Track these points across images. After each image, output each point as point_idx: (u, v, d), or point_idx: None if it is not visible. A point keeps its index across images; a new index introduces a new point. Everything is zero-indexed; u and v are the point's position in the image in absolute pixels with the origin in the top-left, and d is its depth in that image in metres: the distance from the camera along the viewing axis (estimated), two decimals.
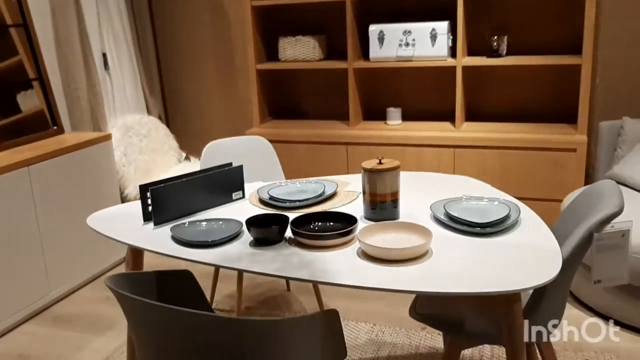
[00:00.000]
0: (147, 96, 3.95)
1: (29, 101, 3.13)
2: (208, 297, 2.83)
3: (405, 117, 3.51)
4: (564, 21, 3.18)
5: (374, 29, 3.32)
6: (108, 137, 3.27)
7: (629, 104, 3.20)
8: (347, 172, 3.42)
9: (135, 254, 1.82)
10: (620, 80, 3.20)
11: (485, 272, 1.37)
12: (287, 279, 1.32)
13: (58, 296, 2.94)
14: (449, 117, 3.38)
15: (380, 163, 1.74)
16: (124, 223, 1.83)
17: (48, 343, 2.58)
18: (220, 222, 1.76)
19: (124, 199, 3.49)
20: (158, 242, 1.67)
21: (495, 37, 3.17)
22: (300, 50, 3.56)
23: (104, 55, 3.66)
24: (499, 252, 1.47)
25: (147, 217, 1.82)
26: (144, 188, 1.80)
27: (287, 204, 1.90)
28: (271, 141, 2.93)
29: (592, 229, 1.47)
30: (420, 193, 2.00)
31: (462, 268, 1.40)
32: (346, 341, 1.68)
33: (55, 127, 3.22)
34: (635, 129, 2.93)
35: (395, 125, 3.45)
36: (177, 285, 1.67)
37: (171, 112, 4.25)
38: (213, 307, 2.81)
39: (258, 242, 1.62)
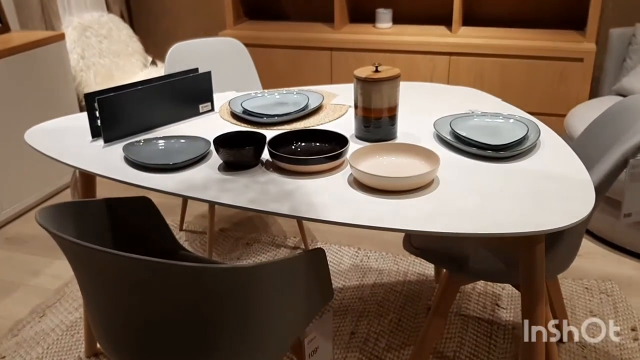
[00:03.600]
0: None
1: None
2: (178, 216, 2.62)
3: (397, 20, 3.16)
4: None
5: None
6: (61, 37, 2.88)
7: None
8: (330, 81, 3.11)
9: (85, 178, 1.55)
10: None
11: (503, 207, 1.13)
12: (264, 213, 1.06)
13: (10, 215, 2.68)
14: (445, 20, 3.04)
15: (376, 71, 1.45)
16: (69, 139, 1.54)
17: (0, 267, 2.34)
18: (183, 141, 1.48)
19: (82, 108, 3.15)
20: (107, 163, 1.39)
21: None
22: None
23: None
24: (518, 182, 1.23)
25: (95, 133, 1.53)
26: (90, 97, 1.49)
27: (264, 119, 1.62)
28: (246, 45, 2.58)
29: (627, 153, 1.23)
30: (419, 107, 1.73)
31: (475, 201, 1.16)
32: (329, 267, 1.47)
33: (0, 24, 2.82)
34: None
35: (385, 29, 3.11)
36: (134, 215, 1.42)
37: (135, 10, 3.81)
38: (184, 228, 2.59)
39: (228, 166, 1.35)
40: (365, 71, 1.46)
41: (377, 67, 1.46)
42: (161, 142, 1.47)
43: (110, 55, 3.33)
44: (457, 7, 2.90)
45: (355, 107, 1.48)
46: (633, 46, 2.71)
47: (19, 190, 2.71)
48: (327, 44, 3.08)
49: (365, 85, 1.44)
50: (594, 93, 2.91)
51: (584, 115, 2.45)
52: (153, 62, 3.56)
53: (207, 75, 1.71)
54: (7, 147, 2.61)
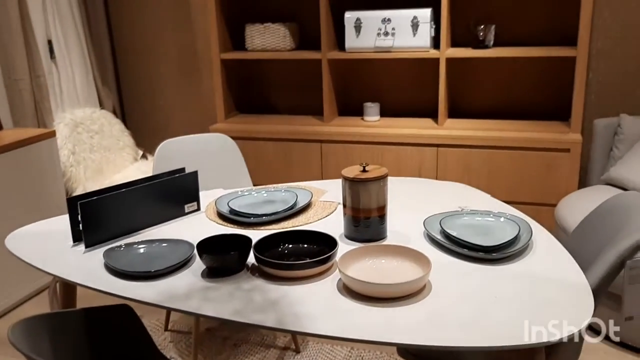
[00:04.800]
0: (100, 87, 3.57)
1: None
2: (164, 315, 2.52)
3: (384, 113, 3.22)
4: (555, 10, 2.92)
5: (350, 16, 3.01)
6: (52, 134, 2.90)
7: (625, 100, 2.97)
8: (320, 172, 3.12)
9: (65, 285, 1.48)
10: (614, 74, 2.96)
11: (498, 316, 1.08)
12: (248, 326, 1.01)
13: None
14: (431, 113, 3.10)
15: (364, 170, 1.44)
16: (50, 244, 1.50)
17: None
18: (166, 245, 1.43)
19: None
20: (87, 271, 1.34)
21: (482, 27, 2.90)
22: (269, 39, 3.23)
23: (50, 42, 3.27)
24: (513, 287, 1.19)
25: (77, 237, 1.49)
26: (72, 202, 1.47)
27: (252, 219, 1.59)
28: (237, 138, 2.61)
29: (623, 255, 1.20)
30: (409, 203, 1.71)
31: (469, 310, 1.10)
32: None
33: None
34: (633, 126, 2.70)
35: (373, 122, 3.16)
36: (114, 325, 1.35)
37: (127, 105, 3.87)
38: (169, 328, 2.49)
39: (212, 272, 1.30)
40: (352, 171, 1.45)
41: (364, 167, 1.45)
42: (143, 246, 1.43)
43: (101, 150, 3.35)
44: (442, 100, 2.96)
45: (344, 206, 1.46)
46: (619, 136, 2.75)
47: (3, 289, 2.62)
48: (317, 136, 3.11)
49: (354, 185, 1.42)
50: (583, 182, 2.92)
51: (574, 205, 2.44)
52: (143, 156, 3.57)
53: (194, 175, 1.70)
54: None
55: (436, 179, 2.92)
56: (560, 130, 2.81)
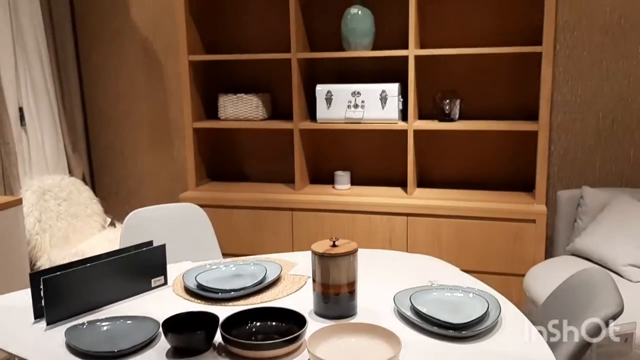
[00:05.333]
0: (70, 154, 3.55)
1: None
2: None
3: (355, 182, 3.26)
4: (517, 86, 3.06)
5: (321, 89, 3.10)
6: (18, 202, 2.85)
7: (586, 172, 3.08)
8: (291, 241, 3.11)
9: None
10: (574, 147, 3.08)
11: None
12: None
13: None
14: (400, 182, 3.15)
15: (334, 245, 1.44)
16: (9, 319, 1.44)
17: None
18: (130, 322, 1.40)
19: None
20: (48, 350, 1.29)
21: (447, 101, 3.01)
22: (242, 109, 3.29)
23: (21, 109, 3.26)
24: None
25: (38, 314, 1.44)
26: (35, 277, 1.43)
27: (220, 295, 1.56)
28: (208, 206, 2.60)
29: (590, 333, 1.21)
30: (379, 277, 1.71)
31: None
32: None
33: None
34: (595, 199, 2.78)
35: (343, 190, 3.19)
36: None
37: (97, 172, 3.85)
38: None
39: (178, 352, 1.26)
40: (322, 245, 1.46)
41: (334, 242, 1.45)
42: (106, 324, 1.39)
43: (68, 218, 3.29)
44: (411, 170, 3.02)
45: (314, 281, 1.45)
46: (582, 207, 2.83)
47: None
48: (288, 205, 3.12)
49: (323, 261, 1.42)
50: (549, 252, 2.97)
51: (542, 276, 2.48)
52: (111, 224, 3.52)
53: (162, 248, 1.68)
54: None
55: (406, 247, 2.94)
56: (526, 201, 2.88)
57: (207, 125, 3.35)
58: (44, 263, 3.04)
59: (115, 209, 3.73)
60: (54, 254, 3.05)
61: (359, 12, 2.99)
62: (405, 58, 2.92)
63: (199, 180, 3.40)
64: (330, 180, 3.29)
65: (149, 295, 1.62)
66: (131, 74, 3.67)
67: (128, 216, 2.30)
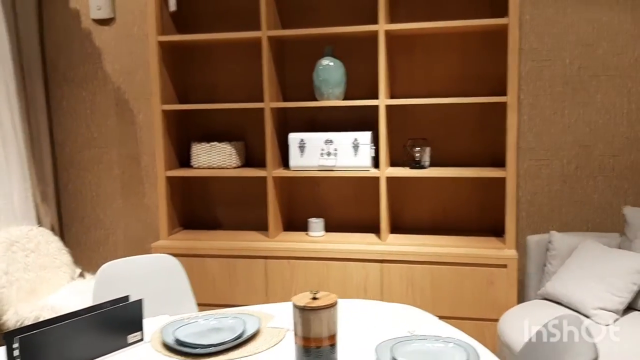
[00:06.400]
0: (38, 204, 3.49)
1: None
2: None
3: (328, 228, 3.28)
4: (485, 134, 3.16)
5: (294, 137, 3.15)
6: None
7: (553, 217, 3.17)
8: (265, 290, 3.09)
9: None
10: (541, 193, 3.18)
11: None
12: None
13: None
14: (374, 228, 3.19)
15: (315, 298, 1.45)
16: None
17: None
18: None
19: (0, 327, 2.93)
20: None
21: (418, 149, 3.08)
22: (215, 157, 3.31)
23: None
24: None
25: None
26: (9, 336, 1.39)
27: (199, 350, 1.55)
28: (181, 255, 2.57)
29: None
30: (358, 328, 1.71)
31: None
32: None
33: None
34: (563, 243, 2.86)
35: (317, 237, 3.21)
36: None
37: (66, 221, 3.78)
38: None
39: None
40: (302, 298, 1.46)
41: (314, 295, 1.46)
42: None
43: (36, 269, 3.21)
44: (384, 216, 3.06)
45: (295, 334, 1.45)
46: (551, 252, 2.90)
47: None
48: (262, 253, 3.11)
49: (304, 314, 1.43)
50: (521, 296, 3.02)
51: (515, 321, 2.52)
52: (81, 275, 3.44)
53: (138, 303, 1.66)
54: None
55: (381, 294, 2.95)
56: (496, 246, 2.94)
57: (180, 173, 3.35)
58: (10, 317, 2.94)
59: (84, 259, 3.67)
60: (22, 308, 2.96)
61: (331, 64, 3.08)
62: (376, 107, 3.00)
63: (171, 228, 3.37)
64: (304, 227, 3.30)
65: (126, 352, 1.59)
66: (102, 120, 3.66)
67: (101, 268, 2.26)
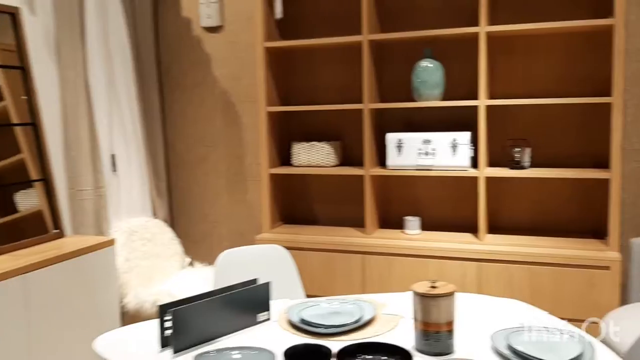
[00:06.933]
0: (154, 198, 3.80)
1: (26, 202, 2.94)
2: None
3: (424, 227, 3.36)
4: (588, 134, 3.13)
5: (392, 137, 3.25)
6: (111, 243, 3.06)
7: None
8: (362, 284, 3.21)
9: None
10: None
11: None
12: None
13: None
14: (470, 228, 3.23)
15: (433, 287, 1.55)
16: (137, 349, 1.60)
17: None
18: (255, 352, 1.53)
19: (122, 309, 3.22)
20: None
21: (518, 150, 3.10)
22: (314, 156, 3.47)
23: (113, 156, 3.54)
24: None
25: (164, 343, 1.59)
26: (162, 308, 1.59)
27: (322, 329, 1.69)
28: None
29: None
30: (470, 319, 1.79)
31: None
32: None
33: (56, 231, 3.03)
34: None
35: (414, 235, 3.29)
36: None
37: (176, 215, 4.08)
38: None
39: None
40: (422, 286, 1.57)
41: (433, 284, 1.56)
42: (236, 353, 1.53)
43: (152, 257, 3.50)
44: (482, 216, 3.10)
45: (415, 319, 1.56)
46: None
47: None
48: (359, 248, 3.23)
49: (424, 300, 1.53)
50: (624, 300, 2.97)
51: (619, 324, 2.49)
52: (190, 264, 3.71)
53: (266, 286, 1.82)
54: (51, 352, 2.63)
55: (479, 293, 2.99)
56: (598, 248, 2.91)
57: (282, 171, 3.54)
58: (130, 300, 3.23)
59: (192, 249, 3.93)
60: (141, 292, 3.25)
61: (430, 65, 3.16)
62: (475, 108, 3.05)
63: (273, 222, 3.56)
64: (399, 225, 3.39)
65: (256, 329, 1.75)
66: (210, 122, 3.92)
67: (220, 256, 2.48)
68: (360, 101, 3.29)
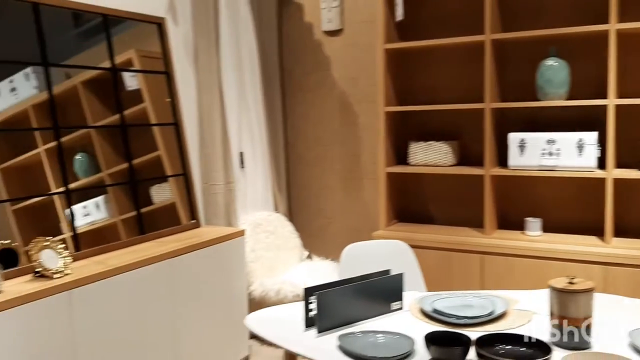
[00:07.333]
0: (276, 193, 4.02)
1: (160, 195, 3.21)
2: None
3: (545, 228, 3.30)
4: None
5: (514, 136, 3.23)
6: (242, 233, 3.31)
7: None
8: (481, 283, 3.22)
9: None
10: None
11: None
12: None
13: None
14: (595, 230, 3.14)
15: (571, 283, 1.58)
16: (284, 327, 1.76)
17: None
18: (397, 337, 1.64)
19: (248, 296, 3.45)
20: (324, 352, 1.57)
21: None
22: (431, 155, 3.52)
23: (241, 154, 3.80)
24: None
25: (309, 324, 1.74)
26: (308, 291, 1.74)
27: (454, 320, 1.76)
28: None
29: None
30: (605, 317, 1.78)
31: None
32: None
33: (193, 221, 3.31)
34: None
35: (535, 237, 3.25)
36: None
37: (294, 210, 4.28)
38: None
39: None
40: (560, 282, 1.59)
41: (571, 280, 1.59)
42: (380, 335, 1.64)
43: (274, 249, 3.71)
44: (609, 219, 3.01)
45: (551, 314, 1.59)
46: None
47: None
48: (478, 248, 3.24)
49: (562, 296, 1.56)
50: None
51: None
52: (309, 257, 3.90)
53: (400, 276, 1.92)
54: (190, 328, 2.89)
55: None
56: None
57: (399, 170, 3.62)
58: (256, 287, 3.46)
59: (308, 243, 4.11)
60: (265, 281, 3.47)
61: (555, 64, 3.11)
62: (601, 107, 2.97)
63: (389, 220, 3.65)
64: (518, 227, 3.36)
65: (389, 317, 1.86)
66: (328, 122, 4.08)
67: (346, 248, 2.61)
68: (479, 100, 3.30)
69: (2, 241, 2.37)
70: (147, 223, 3.04)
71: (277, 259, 3.70)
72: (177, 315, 2.81)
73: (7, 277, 2.24)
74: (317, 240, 4.20)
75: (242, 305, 3.28)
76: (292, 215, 4.25)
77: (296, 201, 4.27)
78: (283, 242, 3.80)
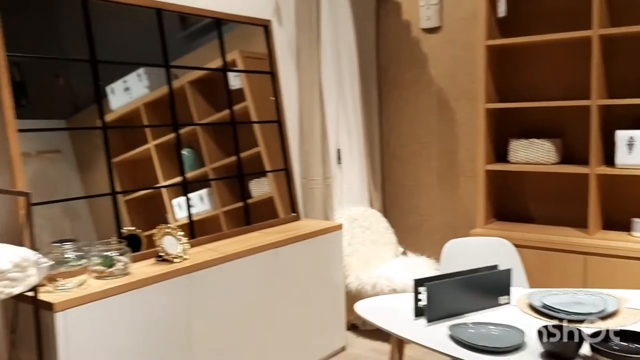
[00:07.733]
0: (371, 190, 4.10)
1: (258, 189, 3.34)
2: None
3: None
4: None
5: (622, 134, 3.11)
6: (339, 227, 3.41)
7: None
8: (584, 284, 3.13)
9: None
10: None
11: None
12: None
13: None
14: None
15: None
16: (393, 315, 1.83)
17: None
18: (508, 329, 1.67)
19: (344, 288, 3.55)
20: (435, 340, 1.63)
21: None
22: (533, 153, 3.46)
23: (338, 150, 3.90)
24: None
25: (418, 313, 1.80)
26: (418, 282, 1.80)
27: (563, 315, 1.76)
28: None
29: None
30: None
31: None
32: None
33: (293, 214, 3.45)
34: None
35: None
36: None
37: (389, 206, 4.34)
38: None
39: (550, 355, 1.49)
40: None
41: None
42: (492, 327, 1.68)
43: (369, 244, 3.79)
44: None
45: None
46: None
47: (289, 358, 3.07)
48: (581, 248, 3.15)
49: None
50: None
51: None
52: (404, 253, 3.94)
53: (507, 272, 1.94)
54: (289, 316, 3.03)
55: None
56: None
57: (498, 167, 3.57)
58: (352, 280, 3.55)
59: (403, 239, 4.15)
60: (361, 274, 3.55)
61: None
62: None
63: (487, 218, 3.62)
64: (624, 227, 3.23)
65: (497, 310, 1.88)
66: (425, 119, 4.10)
67: (448, 244, 2.64)
68: (583, 97, 3.20)
69: (128, 228, 2.61)
70: (253, 215, 3.21)
71: (372, 254, 3.78)
72: (278, 302, 2.96)
73: (134, 260, 2.47)
74: (411, 236, 4.23)
75: (339, 297, 3.39)
76: (386, 211, 4.30)
77: (390, 198, 4.32)
78: (378, 238, 3.87)
